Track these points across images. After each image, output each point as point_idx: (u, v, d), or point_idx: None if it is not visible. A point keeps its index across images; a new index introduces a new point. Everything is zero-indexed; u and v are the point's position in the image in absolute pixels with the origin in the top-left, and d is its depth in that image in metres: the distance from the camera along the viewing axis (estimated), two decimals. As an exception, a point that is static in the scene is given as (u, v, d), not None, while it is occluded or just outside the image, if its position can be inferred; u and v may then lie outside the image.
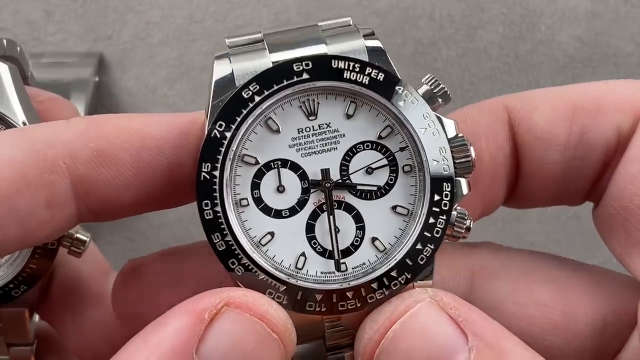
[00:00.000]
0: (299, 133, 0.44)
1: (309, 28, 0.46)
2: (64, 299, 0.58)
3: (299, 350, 0.44)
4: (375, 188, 0.44)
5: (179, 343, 0.38)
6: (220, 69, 0.44)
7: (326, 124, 0.44)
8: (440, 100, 0.45)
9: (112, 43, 0.78)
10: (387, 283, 0.42)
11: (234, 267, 0.42)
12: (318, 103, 0.44)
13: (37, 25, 0.78)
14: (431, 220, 0.43)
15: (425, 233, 0.43)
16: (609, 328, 0.48)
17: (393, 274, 0.43)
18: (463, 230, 0.43)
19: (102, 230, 0.80)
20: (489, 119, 0.49)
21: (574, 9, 0.76)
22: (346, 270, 0.43)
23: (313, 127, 0.44)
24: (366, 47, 0.45)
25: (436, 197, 0.43)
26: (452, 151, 0.44)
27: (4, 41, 0.55)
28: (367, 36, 0.45)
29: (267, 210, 0.44)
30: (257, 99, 0.43)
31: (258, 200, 0.44)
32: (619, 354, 0.48)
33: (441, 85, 0.45)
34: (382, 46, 0.45)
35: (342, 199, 0.44)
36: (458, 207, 0.44)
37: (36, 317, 0.61)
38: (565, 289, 0.49)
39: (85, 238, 0.54)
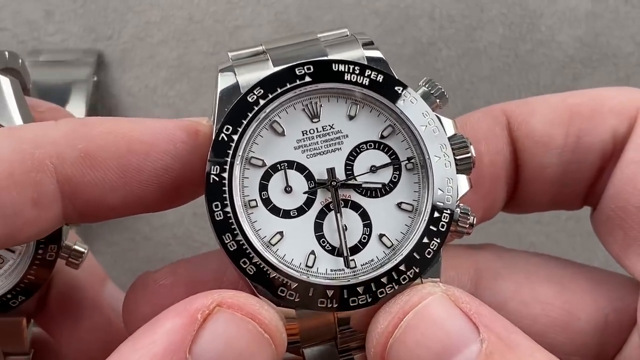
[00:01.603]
0: (303, 135, 0.45)
1: (309, 41, 0.47)
2: (61, 308, 0.58)
3: (314, 352, 0.45)
4: (380, 186, 0.45)
5: (171, 344, 0.38)
6: (225, 81, 0.45)
7: (329, 125, 0.45)
8: (437, 100, 0.46)
9: (112, 43, 0.78)
10: (396, 277, 0.43)
11: (245, 266, 0.43)
12: (320, 105, 0.45)
13: (37, 25, 0.78)
14: (436, 214, 0.44)
15: (431, 227, 0.44)
16: (610, 326, 0.48)
17: (402, 268, 0.43)
18: (467, 226, 0.44)
19: (102, 231, 0.80)
20: (489, 123, 0.50)
21: (574, 9, 0.77)
22: (355, 267, 0.44)
23: (317, 129, 0.45)
24: (366, 57, 0.46)
25: (439, 193, 0.44)
26: (452, 148, 0.45)
27: (6, 53, 0.55)
28: (365, 45, 0.47)
29: (275, 210, 0.44)
30: (261, 102, 0.44)
31: (266, 201, 0.44)
32: (620, 352, 0.48)
33: (438, 86, 0.46)
34: (382, 56, 0.46)
35: (349, 198, 0.45)
36: (461, 204, 0.44)
37: (32, 325, 0.60)
38: (567, 287, 0.49)
39: (83, 249, 0.54)
